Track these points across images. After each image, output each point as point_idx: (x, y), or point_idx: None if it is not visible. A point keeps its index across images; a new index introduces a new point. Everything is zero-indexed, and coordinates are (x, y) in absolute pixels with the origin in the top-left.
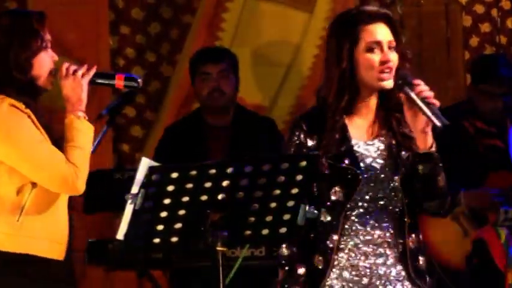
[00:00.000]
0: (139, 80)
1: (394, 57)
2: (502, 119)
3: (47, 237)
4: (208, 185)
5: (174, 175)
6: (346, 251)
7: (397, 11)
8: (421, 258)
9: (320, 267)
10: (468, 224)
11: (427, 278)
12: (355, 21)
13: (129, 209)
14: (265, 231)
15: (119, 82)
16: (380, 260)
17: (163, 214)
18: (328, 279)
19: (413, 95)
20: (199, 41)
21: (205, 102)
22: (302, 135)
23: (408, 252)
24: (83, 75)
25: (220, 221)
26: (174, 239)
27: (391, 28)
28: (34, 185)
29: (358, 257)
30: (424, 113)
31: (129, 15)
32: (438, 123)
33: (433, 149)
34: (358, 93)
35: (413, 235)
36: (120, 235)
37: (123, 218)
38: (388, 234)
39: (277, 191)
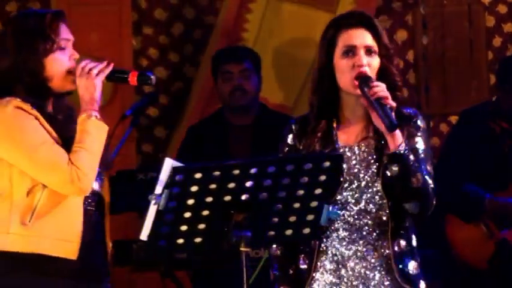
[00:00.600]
0: (152, 77)
1: (372, 62)
2: None
3: (57, 236)
4: (231, 185)
5: (198, 176)
6: (329, 253)
7: (420, 12)
8: (410, 263)
9: (304, 267)
10: (494, 226)
11: (420, 283)
12: (336, 26)
13: (152, 209)
14: (288, 232)
15: (133, 78)
16: (363, 264)
17: (187, 215)
18: (312, 281)
19: (368, 95)
20: (222, 42)
21: (227, 102)
22: (292, 138)
23: (393, 256)
24: (97, 74)
25: (244, 222)
26: (198, 240)
27: (372, 33)
28: (45, 186)
29: (340, 260)
30: (377, 113)
31: (152, 16)
32: (386, 123)
33: (401, 148)
34: (339, 99)
35: (400, 239)
36: (144, 236)
37: (146, 218)
38: (371, 238)
39: (301, 192)
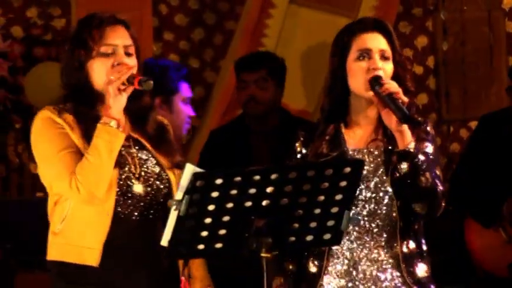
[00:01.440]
0: (150, 82)
1: (386, 66)
2: None
3: (79, 243)
4: (252, 191)
5: (219, 181)
6: (340, 256)
7: (440, 18)
8: (420, 265)
9: (314, 271)
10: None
11: (431, 287)
12: (350, 31)
13: (173, 215)
14: (309, 238)
15: (136, 84)
16: (375, 265)
17: (208, 220)
18: (322, 285)
19: (380, 91)
20: (243, 47)
21: (243, 110)
22: (298, 145)
23: (401, 257)
24: (111, 82)
25: (265, 227)
26: (218, 245)
27: (387, 38)
28: None
29: (351, 262)
30: (389, 108)
31: (173, 22)
32: (398, 116)
33: (411, 146)
34: (348, 103)
35: (409, 240)
36: (165, 241)
37: (167, 224)
38: (382, 239)
39: (322, 197)
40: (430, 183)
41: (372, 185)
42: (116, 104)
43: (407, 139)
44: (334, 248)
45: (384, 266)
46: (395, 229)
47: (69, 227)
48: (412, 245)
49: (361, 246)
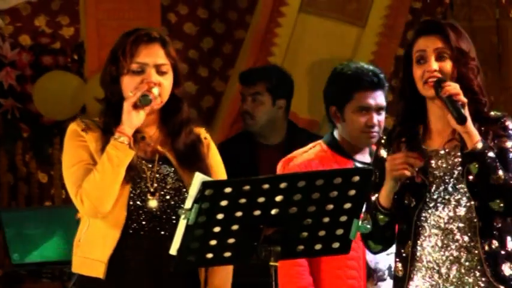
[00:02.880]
0: (148, 98)
1: (444, 66)
2: None
3: (91, 256)
4: (261, 200)
5: (228, 190)
6: (424, 260)
7: None
8: (505, 265)
9: (399, 275)
10: None
11: None
12: (414, 35)
13: (182, 224)
14: (318, 246)
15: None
16: (457, 268)
17: (217, 229)
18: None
19: (441, 94)
20: (252, 56)
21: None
22: (380, 150)
23: (484, 257)
24: (127, 98)
25: (274, 236)
26: (227, 254)
27: (443, 37)
28: None
29: (435, 267)
30: (447, 109)
31: (182, 30)
32: (454, 116)
33: (478, 146)
34: (425, 106)
35: (492, 239)
36: (174, 250)
37: (176, 233)
38: (463, 241)
39: (330, 206)
40: (503, 179)
41: (449, 186)
42: (129, 120)
43: (474, 139)
44: (418, 252)
45: (467, 268)
46: (476, 230)
47: (85, 240)
48: (495, 243)
49: (443, 249)
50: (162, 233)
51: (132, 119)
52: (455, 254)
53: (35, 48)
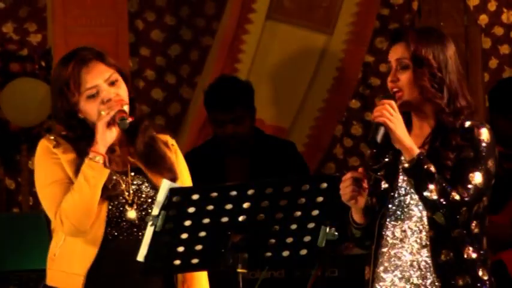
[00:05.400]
0: (126, 122)
1: (401, 75)
2: None
3: (69, 270)
4: (229, 206)
5: (195, 197)
6: (384, 262)
7: None
8: (459, 276)
9: (366, 277)
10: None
11: None
12: (388, 43)
13: (149, 230)
14: (285, 253)
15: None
16: (416, 273)
17: (184, 236)
18: None
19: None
20: (219, 63)
21: (222, 143)
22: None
23: (434, 268)
24: (100, 118)
25: (241, 243)
26: (195, 261)
27: (406, 45)
28: None
29: (392, 270)
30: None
31: (149, 37)
32: (369, 138)
33: (410, 163)
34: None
35: (446, 250)
36: (141, 257)
37: (143, 239)
38: (416, 248)
39: (298, 213)
40: (439, 195)
41: (413, 194)
42: (103, 139)
43: (407, 155)
44: (380, 256)
45: (422, 276)
46: (426, 239)
47: (62, 254)
48: (449, 254)
49: (400, 256)
50: (140, 238)
51: (106, 137)
52: (412, 261)
53: (2, 55)
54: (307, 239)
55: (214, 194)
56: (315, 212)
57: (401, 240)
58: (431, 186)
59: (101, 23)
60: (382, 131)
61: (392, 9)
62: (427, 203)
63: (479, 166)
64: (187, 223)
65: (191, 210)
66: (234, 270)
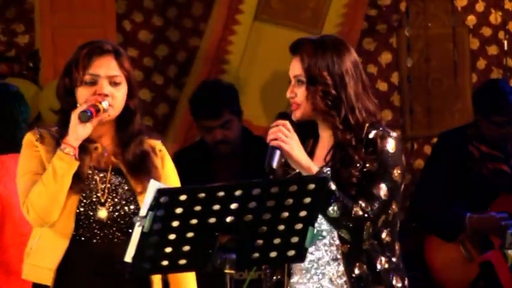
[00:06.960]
0: (87, 115)
1: (297, 93)
2: (506, 143)
3: (41, 264)
4: (216, 207)
5: (183, 197)
6: (297, 276)
7: (404, 34)
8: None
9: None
10: (473, 248)
11: None
12: None
13: (137, 231)
14: (273, 254)
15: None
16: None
17: (172, 236)
18: None
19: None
20: (207, 64)
21: (211, 149)
22: None
23: (351, 280)
24: (75, 110)
25: (229, 244)
26: (183, 262)
27: (300, 59)
28: None
29: (305, 283)
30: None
31: (137, 38)
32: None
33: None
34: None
35: (359, 263)
36: (128, 257)
37: (131, 240)
38: (331, 262)
39: (286, 214)
40: (341, 213)
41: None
42: (75, 132)
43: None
44: (292, 268)
45: None
46: (341, 253)
47: (36, 248)
48: (362, 267)
49: (316, 267)
50: (115, 240)
51: (78, 130)
52: (320, 276)
53: None
54: (294, 239)
55: (202, 195)
56: (303, 213)
57: (312, 254)
58: (333, 205)
59: (88, 24)
60: (277, 155)
61: (380, 10)
62: (329, 220)
63: (384, 177)
64: (175, 224)
65: (179, 211)
66: (222, 271)
